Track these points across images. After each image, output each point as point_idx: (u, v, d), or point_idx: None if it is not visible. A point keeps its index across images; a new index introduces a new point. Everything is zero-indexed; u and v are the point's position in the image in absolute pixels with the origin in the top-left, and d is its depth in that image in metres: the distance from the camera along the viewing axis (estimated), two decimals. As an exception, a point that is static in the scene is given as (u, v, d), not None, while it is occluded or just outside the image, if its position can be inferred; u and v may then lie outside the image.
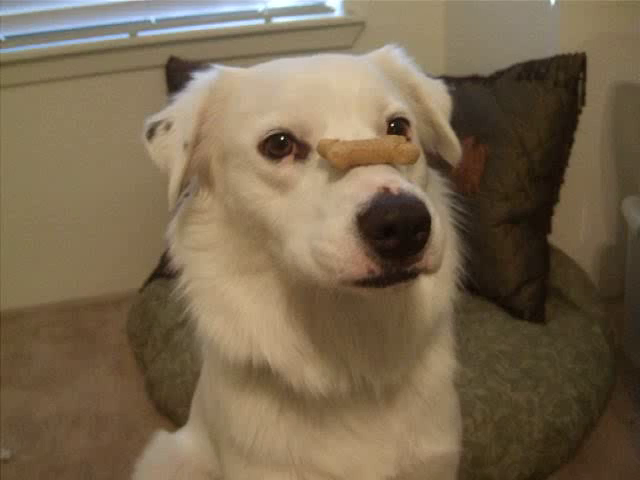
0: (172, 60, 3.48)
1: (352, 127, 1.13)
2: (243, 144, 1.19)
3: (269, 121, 1.15)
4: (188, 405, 1.99)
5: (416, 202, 0.97)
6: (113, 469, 2.58)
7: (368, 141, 1.08)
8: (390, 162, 1.07)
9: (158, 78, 3.51)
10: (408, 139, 1.18)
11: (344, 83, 1.17)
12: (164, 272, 3.13)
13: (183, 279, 1.31)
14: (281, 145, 1.15)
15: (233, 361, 1.26)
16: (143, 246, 3.54)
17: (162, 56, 3.51)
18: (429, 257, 0.99)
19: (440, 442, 1.43)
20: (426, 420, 1.41)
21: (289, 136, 1.15)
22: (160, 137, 1.30)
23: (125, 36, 3.55)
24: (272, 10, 3.66)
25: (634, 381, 2.83)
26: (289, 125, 1.14)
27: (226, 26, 3.63)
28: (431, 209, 0.99)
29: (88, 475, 2.58)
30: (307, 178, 1.12)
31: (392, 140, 1.09)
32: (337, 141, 1.07)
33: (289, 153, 1.15)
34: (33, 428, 2.83)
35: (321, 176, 1.10)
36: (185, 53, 3.50)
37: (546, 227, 2.93)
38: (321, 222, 1.02)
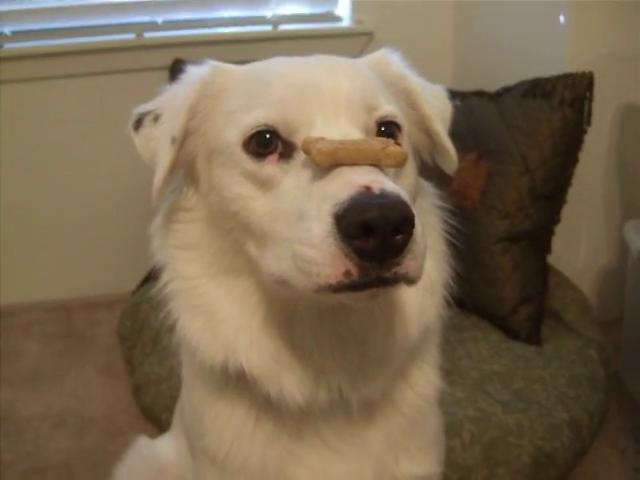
0: (177, 62, 3.45)
1: (340, 127, 1.10)
2: (228, 141, 1.15)
3: (255, 117, 1.12)
4: (173, 411, 1.95)
5: (398, 202, 0.93)
6: (95, 472, 2.53)
7: (354, 141, 1.05)
8: (376, 164, 1.03)
9: (162, 79, 3.48)
10: (398, 144, 1.14)
11: (334, 82, 1.14)
12: (158, 275, 3.10)
13: (164, 278, 1.27)
14: (266, 143, 1.12)
15: (210, 365, 1.22)
16: (139, 248, 3.48)
17: (167, 58, 3.48)
18: (409, 263, 0.95)
19: (421, 463, 1.39)
20: (407, 439, 1.36)
21: (275, 134, 1.12)
22: (147, 128, 1.26)
23: (131, 36, 3.53)
24: (280, 17, 3.64)
25: (629, 408, 2.78)
26: (275, 122, 1.11)
27: (233, 31, 3.61)
28: (414, 213, 0.95)
29: (69, 477, 2.55)
30: (291, 178, 1.09)
31: (380, 142, 1.05)
32: (322, 139, 1.04)
33: (274, 152, 1.12)
34: (17, 427, 2.79)
35: (304, 176, 1.06)
36: (190, 56, 3.45)
37: (546, 247, 2.89)
38: (302, 224, 0.99)
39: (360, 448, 1.31)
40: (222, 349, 1.20)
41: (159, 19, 3.57)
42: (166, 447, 1.88)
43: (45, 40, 3.48)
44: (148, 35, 3.55)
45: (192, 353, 1.26)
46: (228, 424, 1.31)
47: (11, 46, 3.45)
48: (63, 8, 3.49)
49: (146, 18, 3.57)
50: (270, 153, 1.12)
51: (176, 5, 3.58)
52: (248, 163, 1.13)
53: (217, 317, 1.22)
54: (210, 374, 1.29)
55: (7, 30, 3.45)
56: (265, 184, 1.11)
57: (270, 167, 1.11)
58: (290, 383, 1.20)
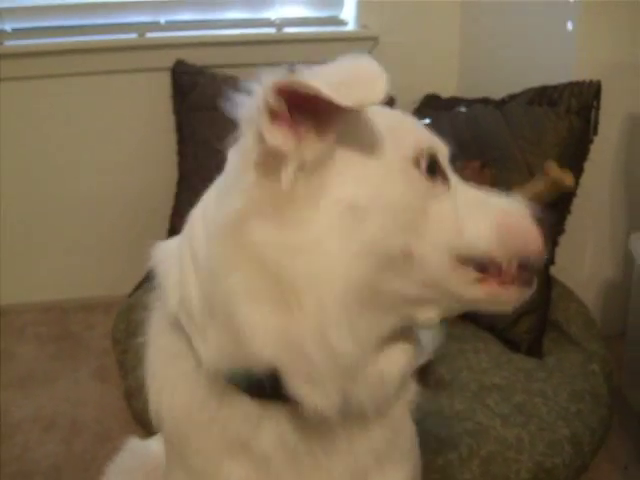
0: (179, 63, 3.42)
1: None
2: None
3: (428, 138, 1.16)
4: (163, 417, 1.90)
5: None
6: (83, 476, 2.49)
7: None
8: None
9: (164, 80, 3.45)
10: None
11: None
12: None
13: None
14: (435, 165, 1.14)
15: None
16: (137, 251, 3.46)
17: (169, 58, 3.45)
18: None
19: (399, 471, 1.32)
20: (390, 448, 1.27)
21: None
22: None
23: (133, 36, 3.49)
24: (284, 20, 3.60)
25: (631, 424, 2.73)
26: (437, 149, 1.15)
27: (236, 32, 3.57)
28: None
29: (58, 482, 2.50)
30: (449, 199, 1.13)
31: None
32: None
33: (437, 175, 1.13)
34: (6, 429, 2.73)
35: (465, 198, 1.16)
36: (193, 57, 3.44)
37: (550, 258, 2.84)
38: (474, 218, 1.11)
39: (344, 460, 1.22)
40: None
41: (162, 19, 3.53)
42: (157, 446, 1.83)
43: (46, 38, 3.43)
44: (150, 35, 3.51)
45: None
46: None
47: (11, 43, 3.41)
48: (65, 6, 3.45)
49: (148, 18, 3.52)
50: (435, 176, 1.13)
51: (179, 5, 3.54)
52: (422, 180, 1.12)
53: None
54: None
55: (8, 27, 3.41)
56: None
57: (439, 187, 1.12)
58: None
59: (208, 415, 1.17)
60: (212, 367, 1.09)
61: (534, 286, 1.16)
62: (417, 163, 1.09)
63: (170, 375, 1.19)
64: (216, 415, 1.17)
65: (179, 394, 1.20)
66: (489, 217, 1.12)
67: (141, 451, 1.84)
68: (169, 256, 1.18)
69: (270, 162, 0.99)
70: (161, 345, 1.21)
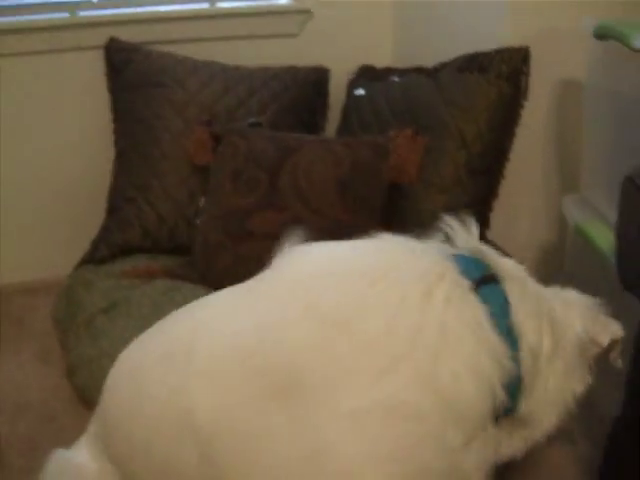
0: (112, 41, 3.38)
1: None
2: None
3: None
4: (105, 392, 1.89)
5: None
6: (28, 457, 2.47)
7: None
8: None
9: (97, 59, 3.41)
10: None
11: None
12: (94, 258, 3.04)
13: None
14: None
15: None
16: (78, 231, 3.43)
17: (102, 37, 3.40)
18: None
19: None
20: None
21: None
22: None
23: (65, 15, 3.44)
24: (218, -7, 3.58)
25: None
26: None
27: (169, 8, 3.53)
28: None
29: (2, 463, 2.48)
30: None
31: None
32: None
33: None
34: (-51, 414, 2.72)
35: None
36: (126, 34, 3.40)
37: (484, 223, 2.89)
38: None
39: None
40: None
41: (93, -3, 3.48)
42: (83, 457, 1.79)
43: (-25, 19, 3.37)
44: (82, 14, 3.45)
45: None
46: None
47: (-62, 25, 3.34)
48: (-7, -14, 3.39)
49: (80, -5, 3.47)
50: None
51: (111, -17, 3.50)
52: None
53: None
54: None
55: None
56: None
57: None
58: None
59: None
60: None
61: None
62: None
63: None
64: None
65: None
66: None
67: (64, 465, 1.79)
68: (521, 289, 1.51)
69: None
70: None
